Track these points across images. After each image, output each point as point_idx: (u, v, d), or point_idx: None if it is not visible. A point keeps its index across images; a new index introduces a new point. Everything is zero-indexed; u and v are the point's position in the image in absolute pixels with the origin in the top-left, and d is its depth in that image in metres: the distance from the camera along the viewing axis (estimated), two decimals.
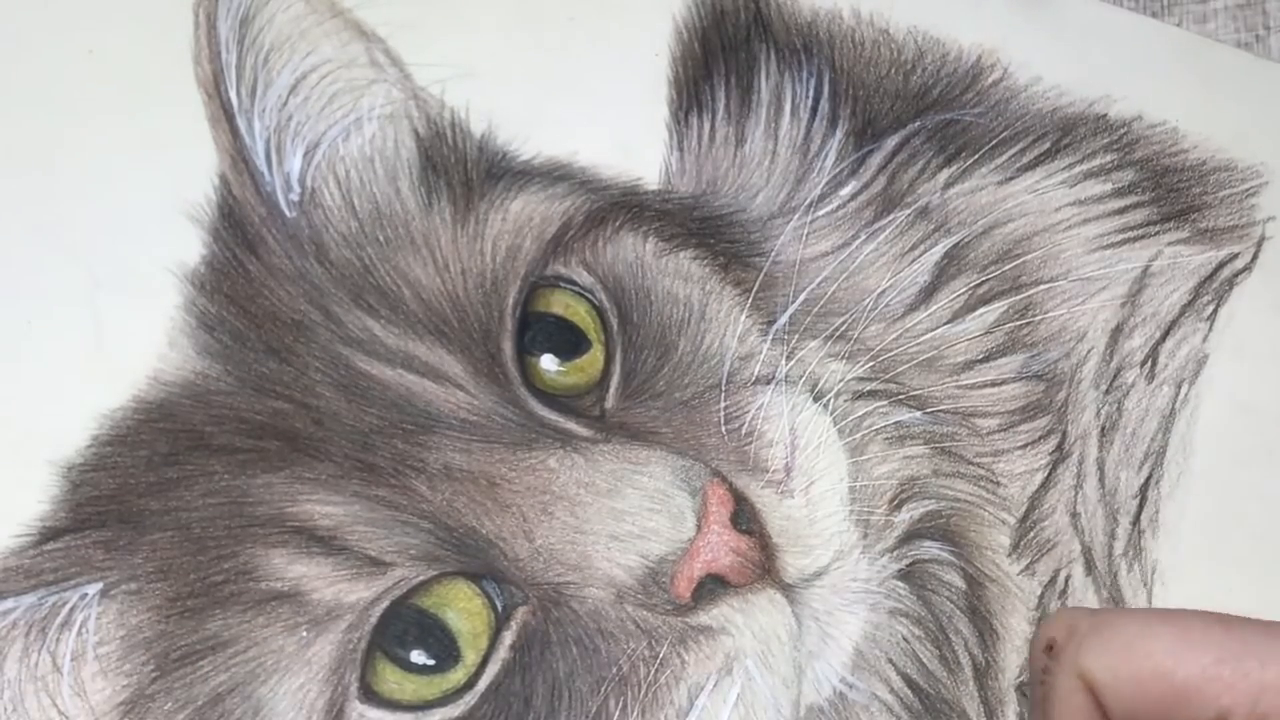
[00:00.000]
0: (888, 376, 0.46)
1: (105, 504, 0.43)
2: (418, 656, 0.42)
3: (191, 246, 0.45)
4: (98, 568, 0.42)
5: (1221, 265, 0.48)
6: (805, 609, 0.43)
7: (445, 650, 0.42)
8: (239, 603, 0.42)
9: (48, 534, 0.42)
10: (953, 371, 0.46)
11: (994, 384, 0.46)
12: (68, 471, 0.43)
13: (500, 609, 0.42)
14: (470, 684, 0.41)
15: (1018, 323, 0.47)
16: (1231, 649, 0.33)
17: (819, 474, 0.44)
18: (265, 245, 0.45)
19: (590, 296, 0.45)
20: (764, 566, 0.42)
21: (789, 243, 0.47)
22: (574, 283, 0.45)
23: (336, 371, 0.44)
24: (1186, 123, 0.49)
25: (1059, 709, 0.34)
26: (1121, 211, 0.48)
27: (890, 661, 0.43)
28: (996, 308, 0.47)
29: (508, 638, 0.42)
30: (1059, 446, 0.46)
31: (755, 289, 0.46)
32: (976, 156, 0.48)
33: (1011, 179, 0.48)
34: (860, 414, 0.45)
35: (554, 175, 0.47)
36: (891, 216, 0.47)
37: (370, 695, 0.41)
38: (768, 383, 0.45)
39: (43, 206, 0.46)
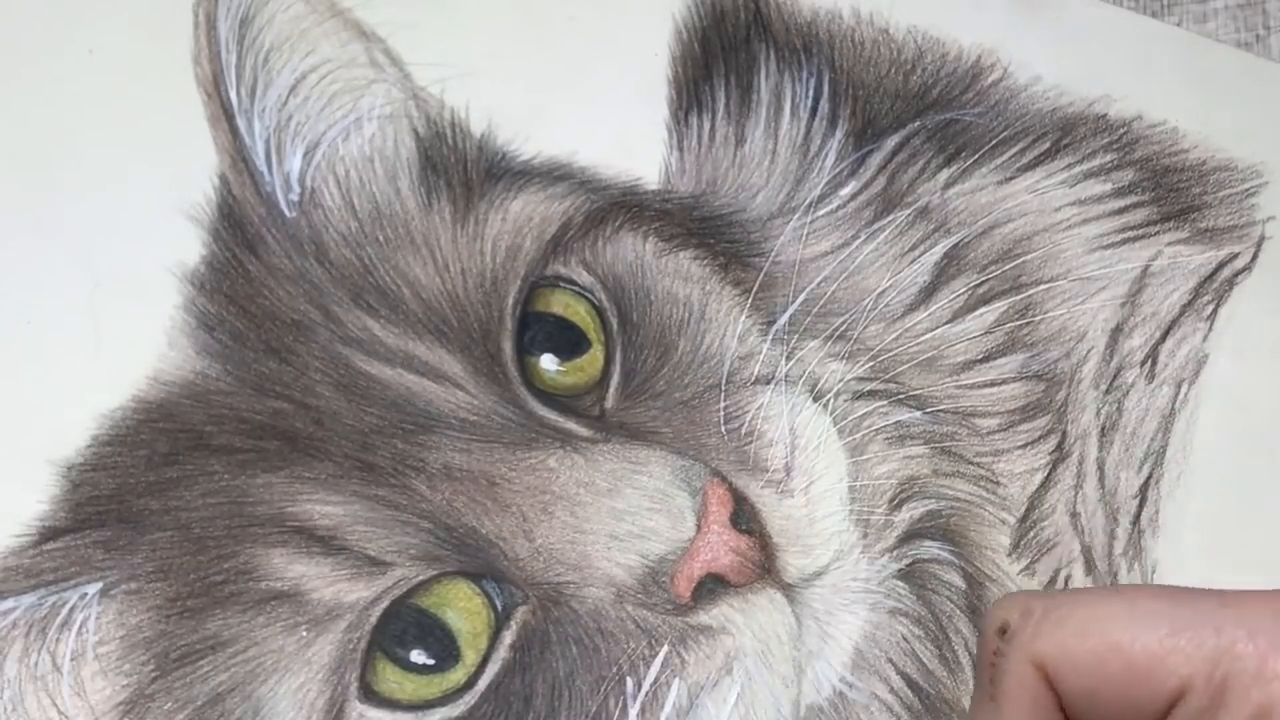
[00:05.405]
0: (888, 376, 0.46)
1: (105, 504, 0.43)
2: (418, 656, 0.42)
3: (191, 246, 0.45)
4: (97, 567, 0.42)
5: (1221, 265, 0.48)
6: (805, 608, 0.43)
7: (445, 650, 0.42)
8: (239, 603, 0.42)
9: (48, 534, 0.42)
10: (952, 371, 0.46)
11: (994, 384, 0.46)
12: (68, 471, 0.43)
13: (500, 609, 0.42)
14: (470, 684, 0.41)
15: (1018, 323, 0.47)
16: (1185, 619, 0.33)
17: (819, 474, 0.44)
18: (265, 245, 0.45)
19: (590, 296, 0.45)
20: (764, 566, 0.42)
21: (789, 243, 0.47)
22: (574, 282, 0.45)
23: (336, 371, 0.44)
24: (1186, 123, 0.49)
25: (1010, 692, 0.33)
26: (1121, 211, 0.48)
27: (890, 661, 0.43)
28: (996, 308, 0.47)
29: (508, 637, 0.42)
30: (1059, 446, 0.46)
31: (755, 289, 0.46)
32: (976, 156, 0.48)
33: (1011, 179, 0.48)
34: (860, 414, 0.45)
35: (554, 175, 0.47)
36: (891, 216, 0.47)
37: (370, 695, 0.41)
38: (767, 383, 0.45)
39: (43, 206, 0.46)
